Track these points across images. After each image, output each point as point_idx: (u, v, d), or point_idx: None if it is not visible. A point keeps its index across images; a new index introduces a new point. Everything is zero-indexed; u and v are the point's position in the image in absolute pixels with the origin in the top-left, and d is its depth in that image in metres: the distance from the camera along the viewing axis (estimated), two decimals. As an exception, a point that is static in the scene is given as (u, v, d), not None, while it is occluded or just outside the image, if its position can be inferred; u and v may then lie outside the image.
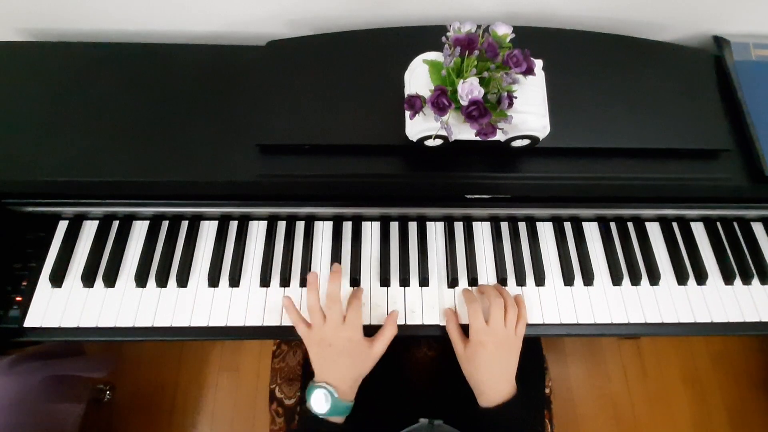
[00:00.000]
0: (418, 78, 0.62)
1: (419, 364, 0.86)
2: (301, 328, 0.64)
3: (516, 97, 0.57)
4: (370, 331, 0.67)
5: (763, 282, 0.74)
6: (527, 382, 0.77)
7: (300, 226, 0.75)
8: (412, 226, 0.76)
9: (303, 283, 0.71)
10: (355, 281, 0.71)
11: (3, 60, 0.75)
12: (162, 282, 0.70)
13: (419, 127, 0.62)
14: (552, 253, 0.75)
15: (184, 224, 0.75)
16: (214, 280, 0.71)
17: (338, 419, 0.61)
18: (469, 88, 0.54)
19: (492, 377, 0.62)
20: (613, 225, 0.77)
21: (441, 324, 0.69)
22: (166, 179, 0.68)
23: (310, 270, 0.72)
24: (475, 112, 0.55)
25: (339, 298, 0.64)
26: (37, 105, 0.72)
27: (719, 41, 0.78)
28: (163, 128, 0.71)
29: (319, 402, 0.60)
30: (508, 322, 0.64)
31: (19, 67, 0.75)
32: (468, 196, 0.69)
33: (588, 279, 0.72)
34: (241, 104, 0.72)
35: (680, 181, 0.70)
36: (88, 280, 0.70)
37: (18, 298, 0.69)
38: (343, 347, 0.62)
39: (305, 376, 0.82)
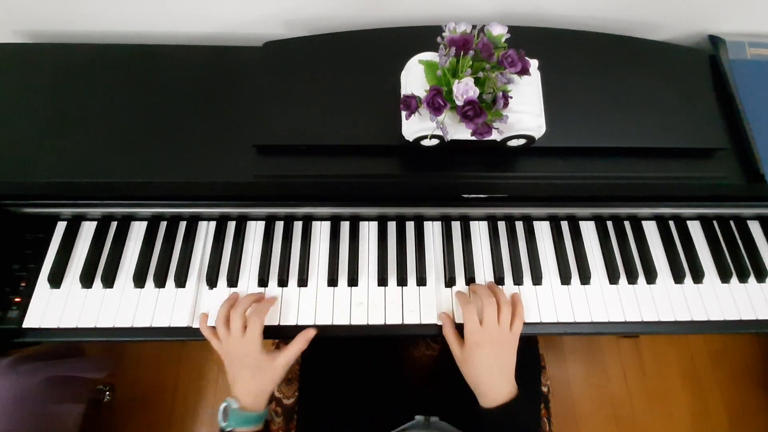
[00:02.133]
0: (413, 78, 0.62)
1: (417, 363, 0.86)
2: (213, 341, 0.65)
3: (511, 97, 0.58)
4: (369, 331, 0.67)
5: (759, 280, 0.74)
6: (524, 380, 0.77)
7: (298, 226, 0.76)
8: (410, 226, 0.76)
9: (301, 283, 0.71)
10: (352, 281, 0.72)
11: (1, 62, 0.76)
12: (160, 282, 0.71)
13: (415, 127, 0.62)
14: (549, 252, 0.75)
15: (182, 225, 0.75)
16: (212, 281, 0.71)
17: (249, 429, 0.62)
18: (465, 88, 0.55)
19: (491, 377, 0.62)
20: (609, 224, 0.77)
21: (438, 323, 0.69)
22: (164, 180, 0.68)
23: (307, 270, 0.72)
24: (471, 112, 0.55)
25: (242, 313, 0.64)
26: (36, 106, 0.73)
27: (715, 40, 0.78)
28: (161, 129, 0.71)
29: (223, 414, 0.61)
30: (502, 321, 0.64)
31: (18, 68, 0.76)
32: (465, 196, 0.69)
33: (585, 278, 0.72)
34: (239, 105, 0.72)
35: (676, 180, 0.70)
36: (86, 280, 0.70)
37: (17, 299, 0.69)
38: (243, 361, 0.63)
39: (303, 376, 0.83)
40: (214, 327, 0.66)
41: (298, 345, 0.66)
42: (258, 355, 0.63)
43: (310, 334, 0.67)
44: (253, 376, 0.63)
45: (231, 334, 0.63)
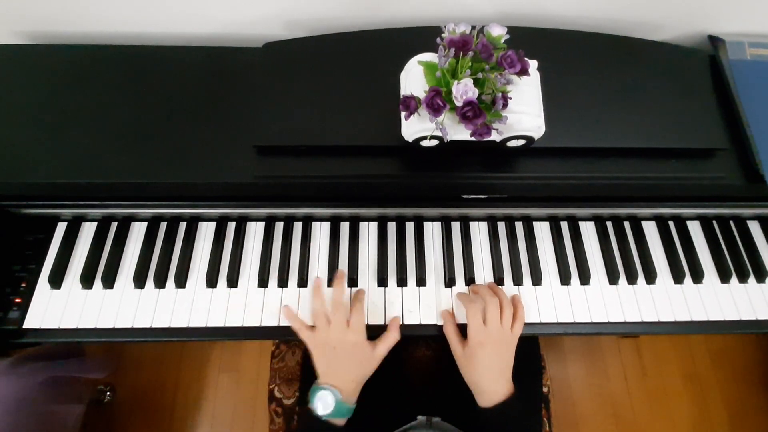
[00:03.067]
0: (413, 79, 0.62)
1: (418, 363, 0.86)
2: (305, 333, 0.65)
3: (511, 98, 0.58)
4: (369, 331, 0.67)
5: (759, 280, 0.74)
6: (524, 380, 0.77)
7: (297, 226, 0.76)
8: (409, 226, 0.76)
9: (301, 283, 0.72)
10: (352, 281, 0.72)
11: (1, 63, 0.76)
12: (160, 283, 0.71)
13: (414, 127, 0.62)
14: (549, 252, 0.75)
15: (182, 225, 0.75)
16: (212, 281, 0.71)
17: (340, 421, 0.62)
18: (464, 89, 0.55)
19: (491, 377, 0.63)
20: (609, 224, 0.77)
21: (438, 324, 0.69)
22: (164, 181, 0.68)
23: (307, 270, 0.72)
24: (470, 113, 0.55)
25: (343, 303, 0.65)
26: (36, 107, 0.73)
27: (714, 40, 0.78)
28: (161, 130, 0.71)
29: (324, 403, 0.60)
30: (504, 322, 0.64)
31: (17, 69, 0.76)
32: (464, 196, 0.69)
33: (585, 278, 0.72)
34: (238, 106, 0.72)
35: (676, 181, 0.70)
36: (86, 281, 0.70)
37: (17, 300, 0.69)
38: (348, 350, 0.63)
39: (304, 376, 0.83)
40: (297, 320, 0.66)
41: (394, 333, 0.66)
42: (365, 343, 0.64)
43: (399, 321, 0.68)
44: (359, 365, 0.64)
45: (333, 324, 0.63)
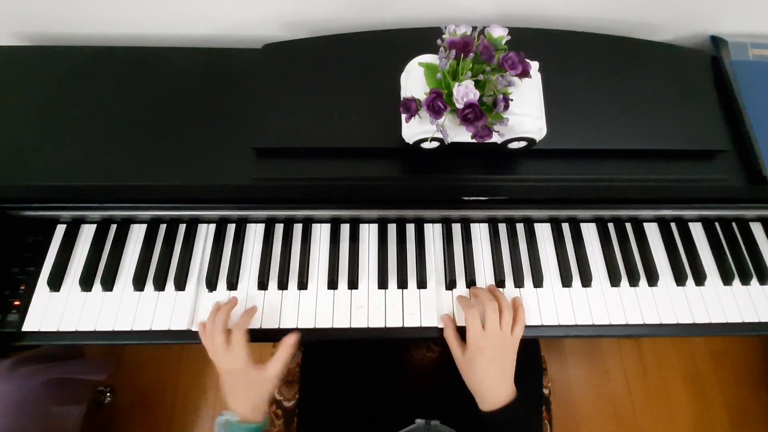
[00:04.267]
0: (413, 81, 0.62)
1: (418, 366, 0.86)
2: (209, 352, 0.65)
3: (512, 100, 0.57)
4: (369, 334, 0.67)
5: (761, 282, 0.73)
6: (525, 382, 0.77)
7: (297, 228, 0.75)
8: (410, 228, 0.76)
9: (301, 286, 0.71)
10: (353, 284, 0.71)
11: (0, 64, 0.75)
12: (160, 285, 0.71)
13: (415, 129, 0.62)
14: (550, 254, 0.75)
15: (182, 227, 0.75)
16: (212, 284, 0.71)
17: None
18: (465, 91, 0.54)
19: (492, 381, 0.62)
20: (611, 226, 0.77)
21: (439, 326, 0.69)
22: (163, 183, 0.68)
23: (308, 272, 0.72)
24: (471, 115, 0.55)
25: (222, 326, 0.64)
26: (35, 109, 0.73)
27: (716, 41, 0.78)
28: (160, 132, 0.71)
29: (220, 428, 0.61)
30: (503, 325, 0.64)
31: (16, 71, 0.75)
32: (465, 198, 0.69)
33: (586, 280, 0.72)
34: (238, 107, 0.72)
35: (678, 182, 0.70)
36: (86, 284, 0.70)
37: (16, 303, 0.69)
38: (232, 373, 0.63)
39: (304, 378, 0.82)
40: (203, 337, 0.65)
41: (284, 352, 0.65)
42: (247, 370, 0.63)
43: (293, 339, 0.66)
44: (247, 388, 0.63)
45: (216, 347, 0.63)
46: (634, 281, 0.72)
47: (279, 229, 0.75)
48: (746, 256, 0.75)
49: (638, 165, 0.70)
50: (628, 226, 0.77)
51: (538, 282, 0.72)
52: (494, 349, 0.62)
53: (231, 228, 0.75)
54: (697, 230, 0.77)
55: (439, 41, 0.57)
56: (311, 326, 0.69)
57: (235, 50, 0.77)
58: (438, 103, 0.55)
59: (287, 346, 0.65)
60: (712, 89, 0.73)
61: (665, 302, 0.71)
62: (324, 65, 0.71)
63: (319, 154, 0.68)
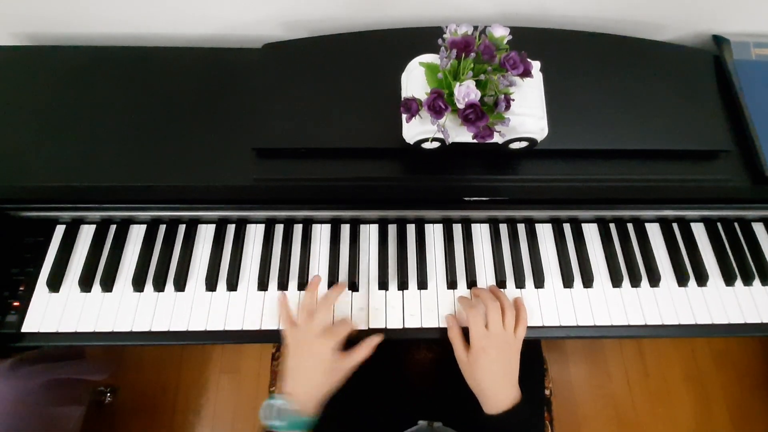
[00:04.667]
0: (414, 80, 0.62)
1: (419, 366, 0.86)
2: (287, 326, 0.65)
3: (513, 100, 0.57)
4: (371, 334, 0.67)
5: (764, 283, 0.73)
6: (526, 383, 0.77)
7: (298, 229, 0.75)
8: (411, 229, 0.75)
9: (301, 287, 0.71)
10: (353, 285, 0.71)
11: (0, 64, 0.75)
12: (159, 286, 0.70)
13: (416, 130, 0.61)
14: (551, 254, 0.74)
15: (181, 228, 0.75)
16: (211, 285, 0.70)
17: None
18: (466, 91, 0.54)
19: (496, 383, 0.62)
20: (612, 226, 0.77)
21: (439, 326, 0.69)
22: (162, 183, 0.68)
23: (308, 273, 0.72)
24: (472, 115, 0.55)
25: (331, 307, 0.64)
26: (34, 109, 0.72)
27: (719, 40, 0.77)
28: (160, 132, 0.71)
29: (270, 411, 0.58)
30: (506, 325, 0.63)
31: (16, 71, 0.75)
32: (466, 199, 0.69)
33: (587, 281, 0.72)
34: (238, 107, 0.72)
35: (680, 182, 0.69)
36: (85, 284, 0.70)
37: (16, 303, 0.68)
38: (318, 353, 0.62)
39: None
40: (287, 310, 0.66)
41: (365, 351, 0.65)
42: (336, 352, 0.62)
43: (376, 340, 0.66)
44: (324, 372, 0.61)
45: (314, 323, 0.62)
46: (635, 282, 0.72)
47: (279, 229, 0.75)
48: (748, 256, 0.75)
49: (640, 165, 0.69)
50: (630, 226, 0.77)
51: (539, 282, 0.72)
52: (498, 350, 0.62)
53: (231, 229, 0.75)
54: (699, 230, 0.77)
55: (440, 41, 0.57)
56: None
57: (235, 50, 0.76)
58: (439, 103, 0.55)
59: (369, 346, 0.65)
60: (715, 89, 0.72)
61: (667, 303, 0.71)
62: (324, 65, 0.71)
63: (319, 155, 0.68)
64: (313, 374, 0.61)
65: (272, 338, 0.68)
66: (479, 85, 0.55)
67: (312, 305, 0.65)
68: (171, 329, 0.68)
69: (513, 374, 0.63)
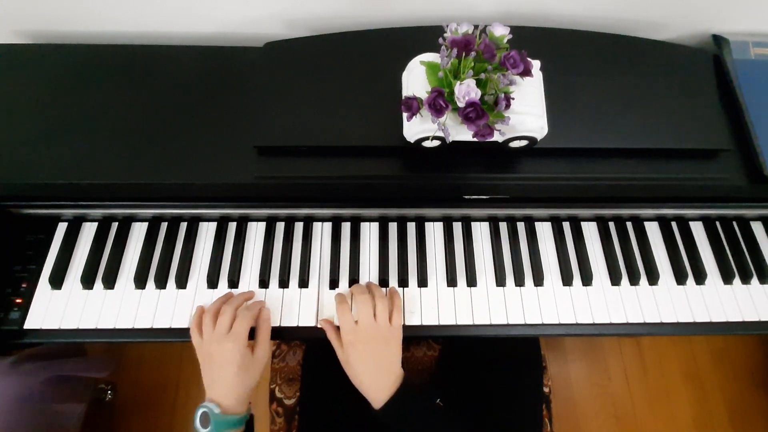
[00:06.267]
0: (415, 79, 0.62)
1: (419, 364, 0.86)
2: (195, 338, 0.63)
3: (513, 99, 0.57)
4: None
5: (762, 281, 0.73)
6: (525, 381, 0.77)
7: (298, 227, 0.76)
8: (411, 227, 0.76)
9: (302, 284, 0.71)
10: (354, 282, 0.71)
11: (1, 62, 0.75)
12: (161, 283, 0.71)
13: (416, 128, 0.62)
14: (551, 253, 0.75)
15: (183, 226, 0.75)
16: (213, 282, 0.71)
17: None
18: (466, 90, 0.54)
19: (369, 376, 0.61)
20: (611, 225, 0.77)
21: (440, 324, 0.69)
22: (164, 181, 0.68)
23: (308, 271, 0.72)
24: (472, 114, 0.55)
25: (233, 311, 0.63)
26: (36, 107, 0.73)
27: (718, 40, 0.78)
28: (161, 130, 0.71)
29: (199, 421, 0.58)
30: (378, 316, 0.63)
31: (17, 69, 0.75)
32: (466, 197, 0.69)
33: (586, 279, 0.72)
34: (239, 105, 0.72)
35: (679, 181, 0.70)
36: (87, 281, 0.70)
37: (18, 300, 0.69)
38: (226, 358, 0.60)
39: (305, 376, 0.83)
40: (194, 323, 0.64)
41: (265, 331, 0.64)
42: (243, 350, 0.61)
43: (265, 313, 0.66)
44: (237, 374, 0.60)
45: (215, 332, 0.61)
46: (634, 280, 0.72)
47: (280, 227, 0.75)
48: (747, 255, 0.75)
49: (639, 164, 0.69)
50: (629, 224, 0.77)
51: (538, 280, 0.72)
52: (368, 343, 0.61)
53: (232, 226, 0.75)
54: (697, 229, 0.77)
55: (440, 40, 0.57)
56: (312, 324, 0.69)
57: (237, 48, 0.77)
58: (439, 101, 0.55)
59: (264, 321, 0.65)
60: (714, 88, 0.73)
61: (666, 301, 0.71)
62: (325, 64, 0.71)
63: (320, 153, 0.68)
64: (227, 377, 0.60)
65: (274, 336, 0.68)
66: (479, 83, 0.55)
67: (215, 313, 0.63)
68: (173, 326, 0.68)
69: (389, 363, 0.62)
